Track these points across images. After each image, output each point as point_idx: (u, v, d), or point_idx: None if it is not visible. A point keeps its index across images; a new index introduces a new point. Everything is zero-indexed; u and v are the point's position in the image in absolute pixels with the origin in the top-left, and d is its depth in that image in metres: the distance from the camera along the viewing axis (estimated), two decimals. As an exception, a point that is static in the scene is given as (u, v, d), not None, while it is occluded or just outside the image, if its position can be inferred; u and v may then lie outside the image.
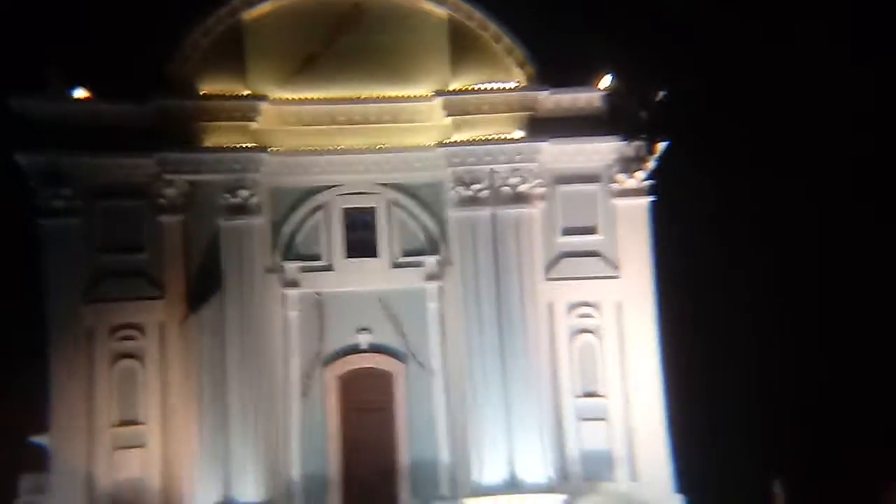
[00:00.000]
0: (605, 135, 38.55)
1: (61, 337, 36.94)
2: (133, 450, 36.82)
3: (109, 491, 36.48)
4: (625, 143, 38.06)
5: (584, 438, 37.76)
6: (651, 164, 39.11)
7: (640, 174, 39.01)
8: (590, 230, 38.79)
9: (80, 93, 37.75)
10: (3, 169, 38.32)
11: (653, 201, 39.14)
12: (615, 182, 38.91)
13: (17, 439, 37.69)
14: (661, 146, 38.61)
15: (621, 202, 38.85)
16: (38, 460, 37.15)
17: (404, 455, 37.32)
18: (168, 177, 37.14)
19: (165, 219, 37.38)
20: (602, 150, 38.75)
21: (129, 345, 37.27)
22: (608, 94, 38.80)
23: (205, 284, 36.99)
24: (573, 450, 37.64)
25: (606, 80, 38.87)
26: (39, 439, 37.34)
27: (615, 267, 38.49)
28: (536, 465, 36.50)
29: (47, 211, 37.36)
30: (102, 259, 37.40)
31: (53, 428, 36.49)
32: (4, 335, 39.37)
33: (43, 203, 37.43)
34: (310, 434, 37.20)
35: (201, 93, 37.86)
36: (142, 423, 36.89)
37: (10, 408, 38.08)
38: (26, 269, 37.97)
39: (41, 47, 38.64)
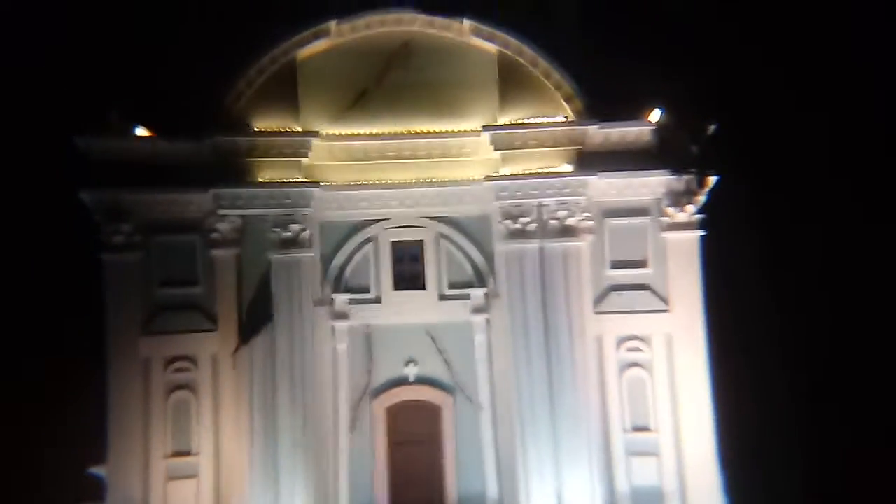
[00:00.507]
0: (654, 168, 38.62)
1: (119, 368, 37.87)
2: (186, 480, 37.36)
3: (163, 522, 36.65)
4: (674, 176, 38.02)
5: (634, 473, 37.55)
6: (701, 198, 38.88)
7: (691, 208, 38.84)
8: (639, 263, 38.70)
9: (140, 131, 38.61)
10: (68, 206, 39.26)
11: (704, 236, 38.76)
12: (665, 215, 38.82)
13: (76, 470, 38.36)
14: (711, 180, 38.43)
15: (671, 236, 38.73)
16: (97, 491, 37.82)
17: (452, 488, 37.49)
18: (222, 212, 37.96)
19: (219, 253, 38.13)
20: (651, 184, 38.73)
21: (183, 376, 38.02)
22: (657, 128, 38.82)
23: (256, 317, 37.61)
24: (623, 485, 37.43)
25: (656, 114, 38.84)
26: (97, 470, 38.02)
27: (665, 301, 38.36)
28: (585, 501, 36.33)
29: (109, 246, 38.39)
30: (159, 292, 38.31)
31: (110, 458, 37.28)
32: (66, 365, 40.25)
33: (105, 238, 38.41)
34: (358, 466, 37.59)
35: (255, 129, 38.39)
36: (195, 454, 37.46)
37: (70, 438, 38.86)
38: (87, 301, 38.77)
39: (101, 88, 39.72)
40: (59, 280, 41.18)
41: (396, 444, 37.75)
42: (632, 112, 39.13)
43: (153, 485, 37.26)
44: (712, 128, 39.25)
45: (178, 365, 38.05)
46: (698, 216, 39.01)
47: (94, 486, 37.74)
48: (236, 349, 37.54)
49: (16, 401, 40.66)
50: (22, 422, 40.50)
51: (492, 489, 37.22)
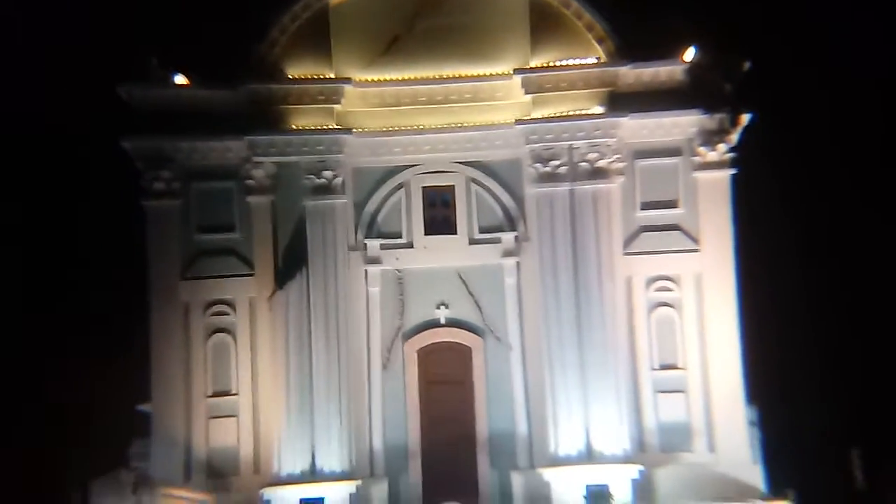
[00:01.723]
0: (686, 108, 38.47)
1: (161, 312, 39.07)
2: (226, 419, 38.66)
3: (205, 457, 38.40)
4: (706, 115, 37.95)
5: (662, 410, 38.03)
6: (734, 137, 38.81)
7: (723, 147, 38.82)
8: (670, 204, 38.86)
9: (178, 79, 39.42)
10: (110, 153, 40.35)
11: (734, 174, 38.73)
12: (696, 155, 38.81)
13: (129, 407, 39.86)
14: (745, 118, 38.31)
15: (702, 175, 38.81)
16: (147, 427, 39.30)
17: (483, 427, 38.24)
18: (257, 159, 38.72)
19: (254, 199, 39.04)
20: (682, 124, 38.76)
21: (222, 319, 39.11)
22: (690, 67, 38.68)
23: (291, 262, 38.53)
24: (651, 421, 37.95)
25: (690, 53, 38.68)
26: (146, 407, 39.45)
27: (695, 241, 38.55)
28: (613, 437, 36.98)
29: (150, 193, 39.40)
30: (197, 238, 39.34)
31: (154, 397, 38.68)
32: (113, 309, 41.65)
33: (146, 185, 39.40)
34: (391, 406, 38.47)
35: (288, 77, 38.97)
36: (234, 394, 38.64)
37: (124, 377, 40.32)
38: (130, 248, 39.98)
39: (140, 37, 40.58)
40: (102, 227, 42.30)
41: (429, 384, 38.55)
42: (664, 52, 39.02)
43: (195, 422, 38.54)
44: (747, 65, 38.94)
45: (216, 308, 39.14)
46: (730, 155, 38.76)
47: (144, 422, 39.03)
48: (272, 293, 38.48)
49: (70, 343, 42.13)
50: (76, 363, 41.94)
51: (521, 427, 38.03)
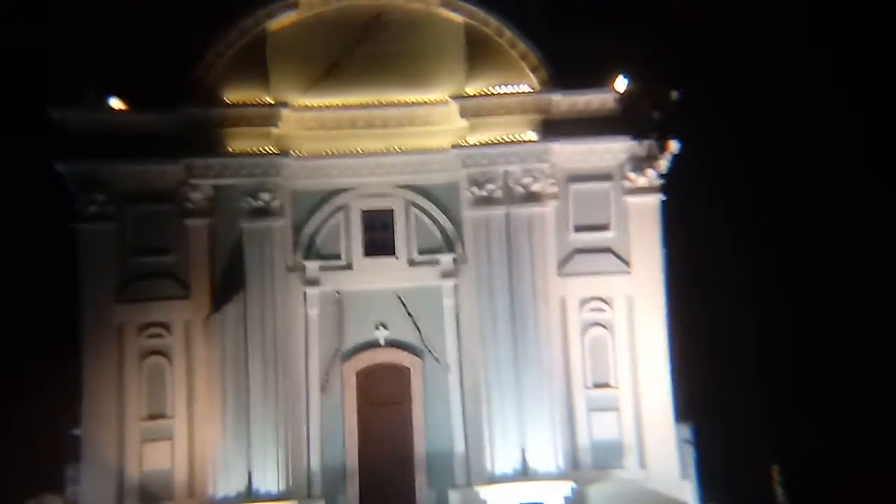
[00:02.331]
0: (617, 134, 39.55)
1: (94, 334, 38.88)
2: (161, 442, 38.39)
3: (138, 481, 38.09)
4: (636, 142, 39.04)
5: (595, 428, 38.84)
6: (663, 164, 40.02)
7: (652, 173, 39.94)
8: (602, 227, 39.87)
9: (114, 102, 39.36)
10: (42, 176, 40.01)
11: (664, 200, 39.92)
12: (627, 180, 39.83)
13: (59, 432, 39.21)
14: (673, 145, 39.51)
15: (633, 200, 39.89)
16: (79, 452, 38.67)
17: (421, 446, 38.63)
18: (194, 181, 38.87)
19: (191, 222, 39.10)
20: (613, 150, 39.87)
21: (157, 342, 38.97)
22: (621, 95, 39.78)
23: (229, 284, 38.62)
24: (584, 439, 38.70)
25: (622, 82, 39.83)
26: (79, 431, 38.87)
27: (626, 263, 39.53)
28: (548, 454, 37.66)
29: (83, 216, 39.21)
30: (132, 261, 39.29)
31: (85, 421, 38.31)
32: (46, 333, 41.07)
33: (79, 208, 39.28)
34: (329, 427, 38.65)
35: (226, 100, 39.21)
36: (169, 417, 38.37)
37: (58, 401, 39.65)
38: (61, 271, 39.57)
39: (74, 59, 40.44)
40: (33, 250, 41.79)
41: (367, 405, 38.76)
42: (596, 80, 40.09)
43: (128, 446, 38.27)
44: (675, 94, 40.11)
45: (151, 331, 39.02)
46: (659, 181, 39.91)
47: (77, 447, 38.45)
48: (208, 315, 38.39)
49: (1, 366, 41.40)
50: (6, 388, 41.19)
51: (459, 446, 38.46)
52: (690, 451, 39.01)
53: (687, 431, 39.30)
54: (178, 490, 38.22)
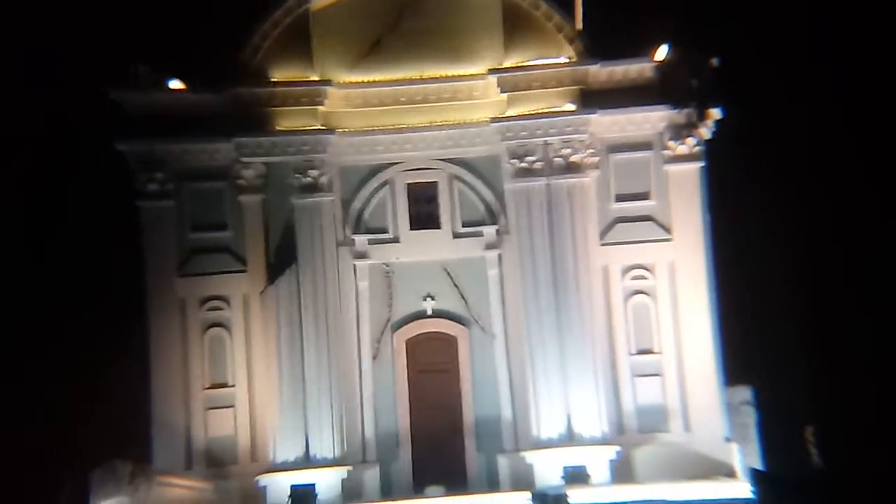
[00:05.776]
0: (656, 104, 40.25)
1: (158, 308, 40.78)
2: (224, 410, 40.40)
3: (205, 447, 40.13)
4: (675, 111, 39.73)
5: (639, 393, 39.96)
6: (704, 131, 40.63)
7: (691, 140, 40.57)
8: (643, 196, 40.67)
9: (173, 84, 40.97)
10: (103, 156, 41.86)
11: (704, 166, 40.55)
12: (667, 149, 40.54)
13: (130, 401, 41.37)
14: (714, 113, 40.10)
15: (673, 168, 40.64)
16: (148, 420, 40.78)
17: (469, 412, 40.11)
18: (245, 160, 40.29)
19: (245, 199, 40.68)
20: (652, 119, 40.54)
21: (217, 314, 40.81)
22: (659, 64, 40.40)
23: (282, 258, 40.23)
24: (628, 404, 39.86)
25: (662, 50, 40.42)
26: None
27: (667, 230, 40.36)
28: (592, 420, 38.89)
29: (144, 194, 40.97)
30: (191, 237, 41.00)
31: (153, 391, 40.32)
32: (112, 308, 43.18)
33: (140, 186, 40.99)
34: (381, 395, 40.30)
35: (273, 80, 40.51)
36: (231, 386, 40.36)
37: (124, 373, 41.79)
38: (126, 248, 41.55)
39: (127, 43, 42.02)
40: (98, 229, 43.78)
41: (416, 372, 40.35)
42: (633, 50, 40.69)
43: (194, 413, 40.24)
44: (715, 62, 40.66)
45: (211, 304, 40.85)
46: (699, 148, 40.56)
47: (145, 415, 40.56)
48: (264, 289, 40.15)
49: (70, 343, 43.58)
50: (78, 362, 43.40)
51: (506, 412, 39.85)
52: (751, 413, 39.82)
53: (747, 393, 40.07)
54: (242, 455, 40.17)
